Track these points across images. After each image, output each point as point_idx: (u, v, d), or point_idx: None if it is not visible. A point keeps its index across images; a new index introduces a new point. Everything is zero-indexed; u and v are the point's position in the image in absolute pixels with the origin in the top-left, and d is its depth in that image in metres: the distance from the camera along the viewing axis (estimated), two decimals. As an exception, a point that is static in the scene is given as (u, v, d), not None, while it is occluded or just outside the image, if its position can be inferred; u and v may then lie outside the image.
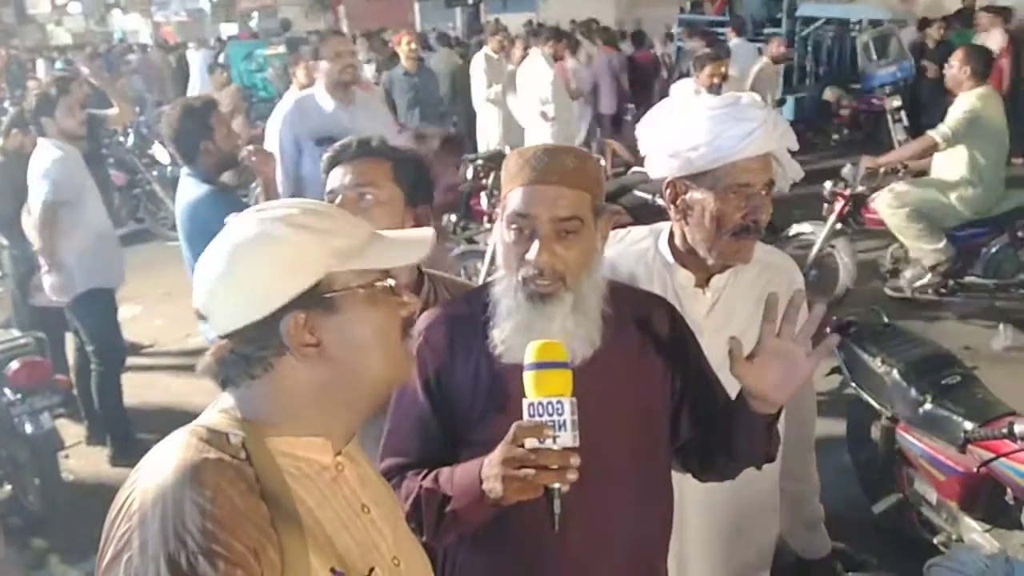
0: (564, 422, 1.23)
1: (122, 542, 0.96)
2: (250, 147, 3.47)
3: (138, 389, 4.94)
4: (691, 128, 1.70)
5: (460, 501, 1.40)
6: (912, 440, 3.01)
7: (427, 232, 1.19)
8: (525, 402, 1.26)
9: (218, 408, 1.11)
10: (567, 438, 1.23)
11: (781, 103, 8.31)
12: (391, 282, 1.12)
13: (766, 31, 10.77)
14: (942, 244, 5.16)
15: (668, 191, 1.78)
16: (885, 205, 5.25)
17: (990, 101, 4.97)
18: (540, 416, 1.24)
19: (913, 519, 3.13)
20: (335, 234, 1.09)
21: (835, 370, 3.46)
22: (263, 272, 1.04)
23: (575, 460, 1.23)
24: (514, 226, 1.44)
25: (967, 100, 4.96)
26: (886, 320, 3.47)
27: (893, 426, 3.11)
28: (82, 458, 4.40)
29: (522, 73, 7.36)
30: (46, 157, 4.17)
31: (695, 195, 1.73)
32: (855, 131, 10.67)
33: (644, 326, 1.55)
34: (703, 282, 1.81)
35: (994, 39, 8.58)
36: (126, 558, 0.94)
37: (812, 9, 10.98)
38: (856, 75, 10.42)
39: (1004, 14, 9.01)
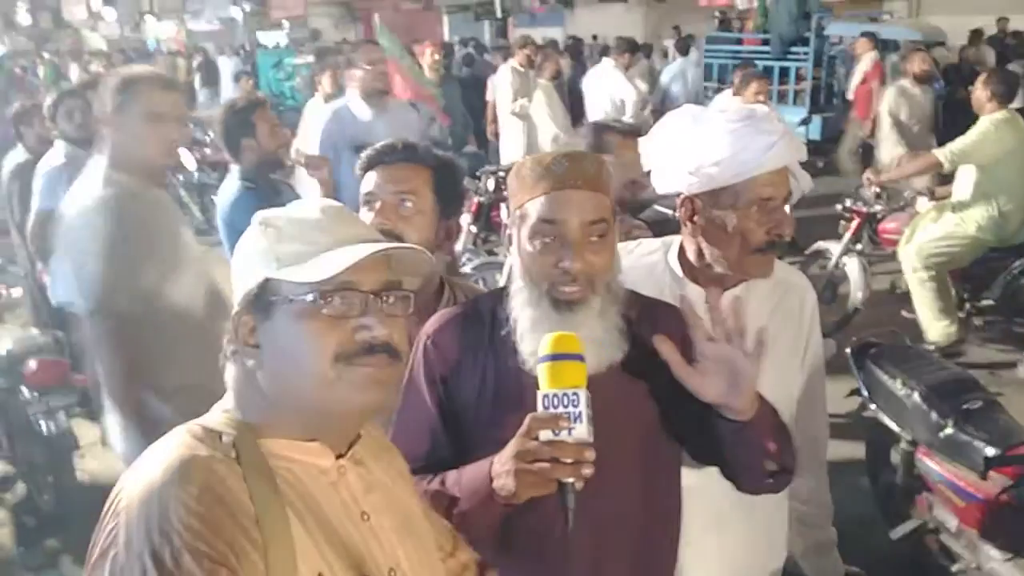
0: (579, 414, 1.21)
1: (109, 539, 0.96)
2: (305, 155, 3.54)
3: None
4: (711, 143, 1.66)
5: (469, 502, 1.37)
6: (932, 465, 2.95)
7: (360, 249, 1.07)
8: (540, 393, 1.24)
9: (221, 408, 1.12)
10: (582, 431, 1.21)
11: (806, 122, 8.25)
12: (329, 299, 1.03)
13: (794, 50, 10.73)
14: (952, 327, 5.03)
15: (684, 208, 1.74)
16: (910, 262, 5.13)
17: (1007, 125, 4.85)
18: (555, 408, 1.22)
19: (932, 546, 3.06)
20: (284, 238, 1.08)
21: (854, 391, 3.41)
22: (235, 269, 1.10)
23: (590, 454, 1.20)
24: (541, 235, 1.41)
25: (981, 123, 4.89)
26: (908, 342, 3.41)
27: (913, 450, 3.06)
28: (98, 458, 4.40)
29: (594, 82, 7.69)
30: (48, 163, 4.26)
31: (716, 212, 1.68)
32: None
33: (655, 334, 1.52)
34: None
35: (864, 63, 8.94)
36: (112, 555, 0.94)
37: (841, 29, 10.94)
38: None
39: (874, 39, 9.29)
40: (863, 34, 9.41)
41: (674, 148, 1.73)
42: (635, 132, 3.14)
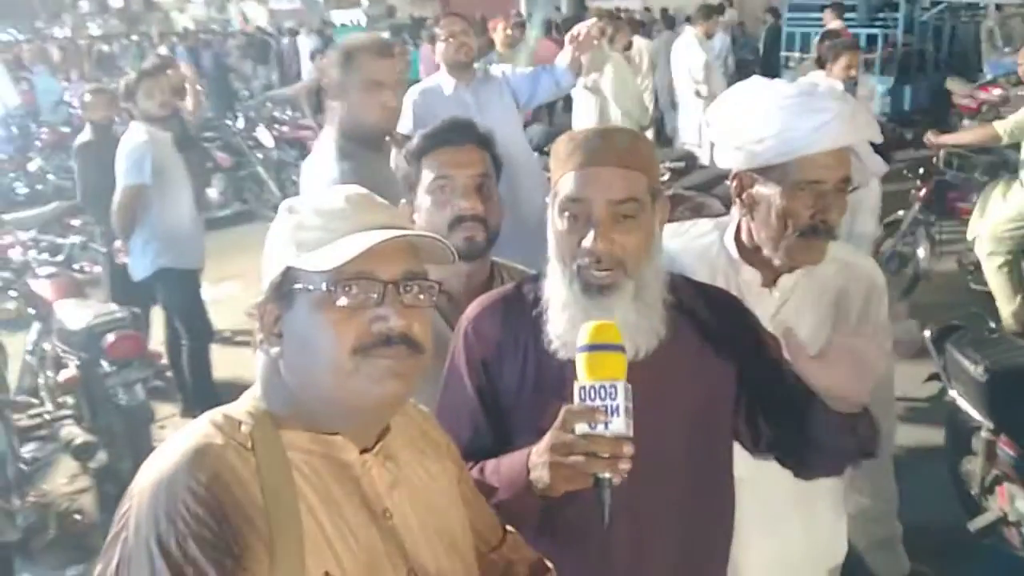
0: (617, 407, 1.15)
1: (121, 523, 0.96)
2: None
3: (232, 365, 5.04)
4: (759, 119, 1.58)
5: (506, 492, 1.34)
6: (1014, 455, 2.80)
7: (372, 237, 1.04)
8: (576, 385, 1.19)
9: (250, 395, 1.11)
10: (620, 425, 1.15)
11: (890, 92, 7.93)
12: (346, 288, 1.00)
13: (882, 16, 10.27)
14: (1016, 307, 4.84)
15: (734, 183, 1.67)
16: (984, 247, 4.95)
17: None
18: (592, 400, 1.16)
19: (1013, 539, 2.91)
20: (305, 226, 1.06)
21: (934, 376, 3.26)
22: (264, 255, 1.10)
23: (628, 449, 1.15)
24: (567, 213, 1.36)
25: None
26: (992, 324, 3.24)
27: (995, 439, 2.91)
28: (176, 430, 4.54)
29: (675, 51, 7.98)
30: (130, 140, 4.36)
31: (761, 190, 1.61)
32: (976, 122, 10.07)
33: (706, 320, 1.44)
34: (770, 281, 1.68)
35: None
36: (122, 539, 0.94)
37: (934, -9, 10.41)
38: (979, 63, 9.83)
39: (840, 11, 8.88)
40: (827, 6, 8.96)
41: (726, 122, 1.66)
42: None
